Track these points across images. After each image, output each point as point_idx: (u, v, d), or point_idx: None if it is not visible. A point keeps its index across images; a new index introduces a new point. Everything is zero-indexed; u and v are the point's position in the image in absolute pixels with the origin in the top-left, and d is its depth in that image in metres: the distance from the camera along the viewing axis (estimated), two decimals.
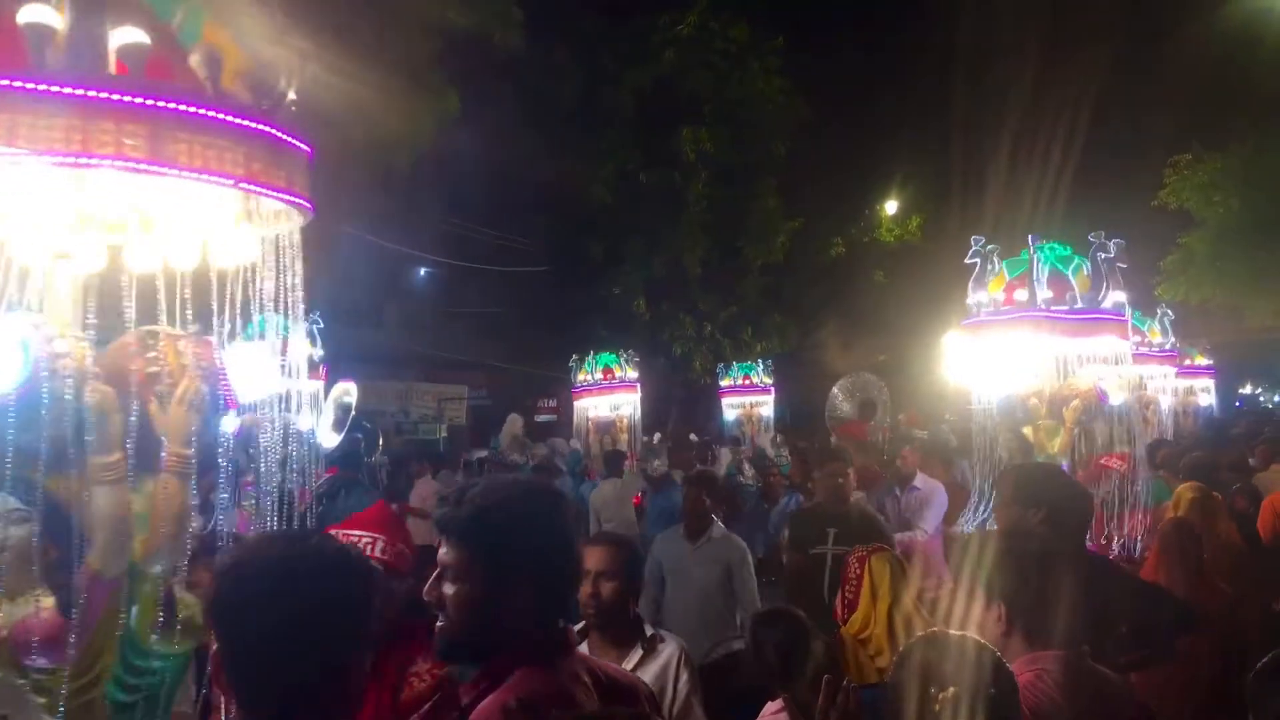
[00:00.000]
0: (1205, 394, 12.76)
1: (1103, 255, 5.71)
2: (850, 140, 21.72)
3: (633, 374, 12.44)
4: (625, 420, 12.35)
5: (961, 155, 15.30)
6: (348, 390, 7.56)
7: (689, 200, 20.28)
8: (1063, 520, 4.22)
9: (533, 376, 20.75)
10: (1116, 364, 5.89)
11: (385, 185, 17.00)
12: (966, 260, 5.83)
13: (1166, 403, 9.06)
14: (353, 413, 7.26)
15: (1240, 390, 30.31)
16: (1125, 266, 5.72)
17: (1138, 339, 8.23)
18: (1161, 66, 16.52)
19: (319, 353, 7.93)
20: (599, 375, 12.37)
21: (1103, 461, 5.98)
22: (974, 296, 5.81)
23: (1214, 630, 4.59)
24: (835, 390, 10.50)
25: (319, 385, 7.74)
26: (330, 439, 7.42)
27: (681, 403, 21.09)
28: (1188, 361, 11.80)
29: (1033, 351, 5.88)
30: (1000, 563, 2.85)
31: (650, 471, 9.80)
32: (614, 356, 12.60)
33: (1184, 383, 11.83)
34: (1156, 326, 8.76)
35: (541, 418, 21.69)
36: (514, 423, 7.94)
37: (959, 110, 15.88)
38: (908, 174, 24.20)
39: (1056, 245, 5.93)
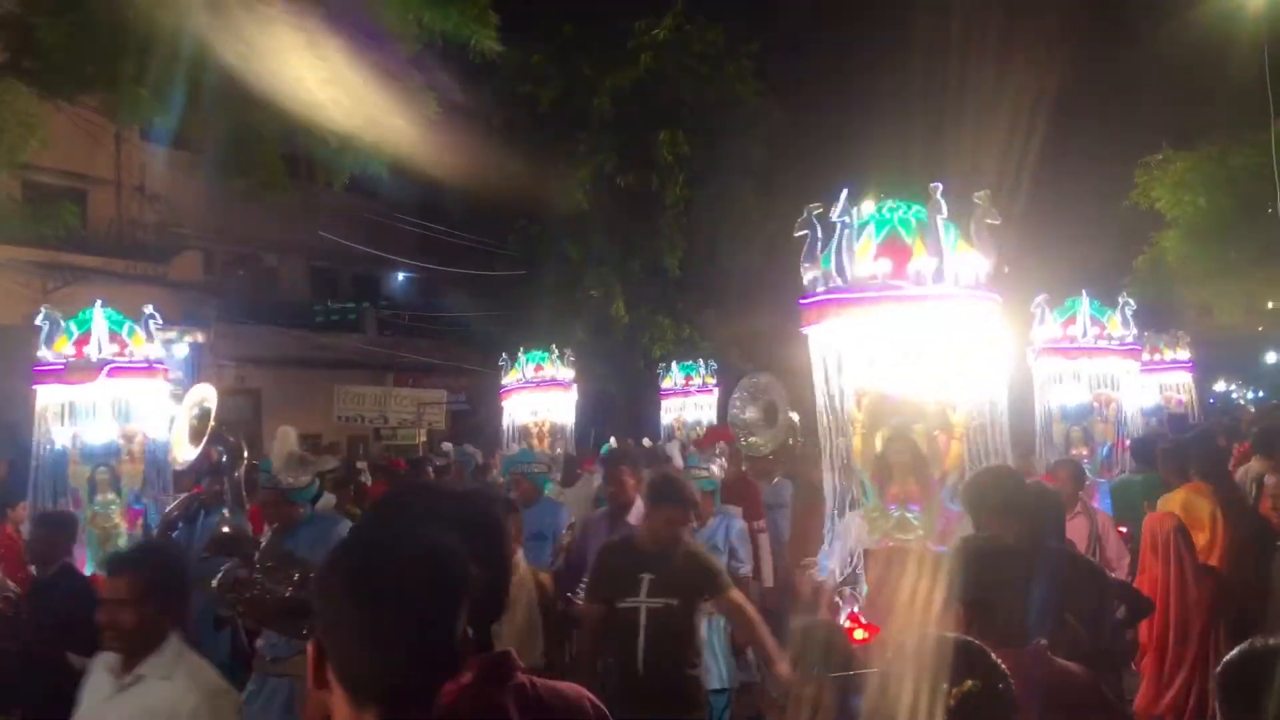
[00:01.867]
0: (1181, 390, 12.45)
1: (939, 215, 4.48)
2: (826, 141, 21.88)
3: (567, 373, 11.54)
4: (546, 424, 11.34)
5: (935, 156, 15.44)
6: (205, 396, 7.28)
7: (667, 203, 20.38)
8: (1043, 523, 4.37)
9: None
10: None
11: (363, 189, 17.02)
12: (796, 233, 4.81)
13: (1132, 401, 8.78)
14: (212, 421, 6.92)
15: (1214, 388, 30.57)
16: (997, 222, 4.56)
17: (1096, 331, 8.18)
18: (1134, 67, 16.76)
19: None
20: (531, 372, 11.44)
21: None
22: (809, 273, 4.78)
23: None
24: (736, 393, 9.53)
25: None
26: (186, 452, 7.00)
27: (617, 406, 20.27)
28: (1157, 356, 11.67)
29: (901, 337, 4.70)
30: (954, 565, 2.97)
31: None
32: (544, 353, 11.62)
33: (1155, 378, 11.80)
34: (1116, 317, 8.37)
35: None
36: (286, 437, 6.36)
37: (932, 111, 16.03)
38: (883, 174, 24.35)
39: (904, 203, 4.74)
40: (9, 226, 13.10)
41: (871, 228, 4.66)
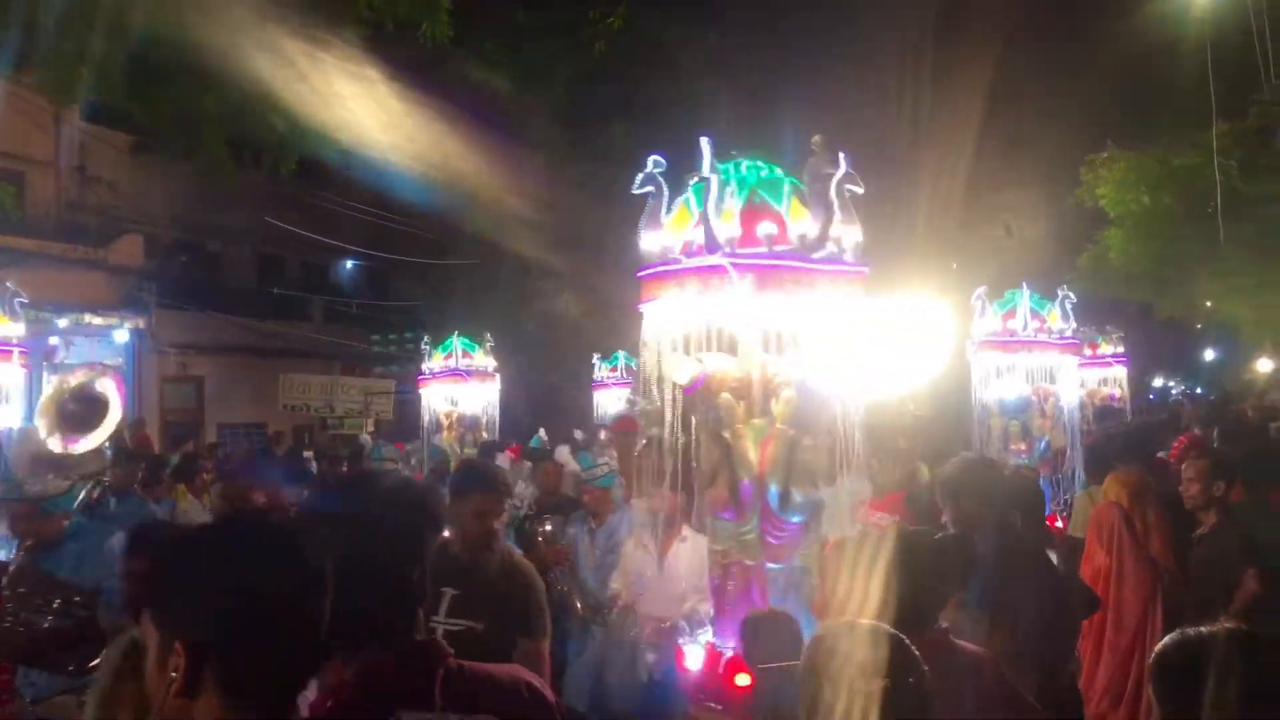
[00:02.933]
0: (1115, 385, 12.50)
1: (818, 170, 3.95)
2: (774, 134, 21.92)
3: (488, 362, 10.94)
4: (454, 416, 10.92)
5: (882, 154, 15.57)
6: (84, 383, 6.83)
7: (618, 194, 20.32)
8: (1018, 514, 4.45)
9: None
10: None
11: (314, 176, 16.81)
12: (635, 189, 4.16)
13: (1072, 396, 8.72)
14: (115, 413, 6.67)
15: (1152, 383, 31.20)
16: (860, 190, 4.02)
17: (1036, 324, 8.21)
18: (1081, 68, 16.98)
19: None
20: (457, 360, 10.87)
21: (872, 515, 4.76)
22: (649, 241, 4.11)
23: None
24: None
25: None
26: (55, 441, 6.44)
27: (564, 399, 19.84)
28: (1089, 350, 11.65)
29: (728, 318, 4.08)
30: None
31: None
32: (471, 341, 10.99)
33: (1093, 374, 11.94)
34: (1056, 311, 8.36)
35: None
36: (27, 437, 5.64)
37: (877, 109, 16.16)
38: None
39: (758, 164, 4.20)
40: None
41: (733, 188, 4.03)
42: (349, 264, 26.28)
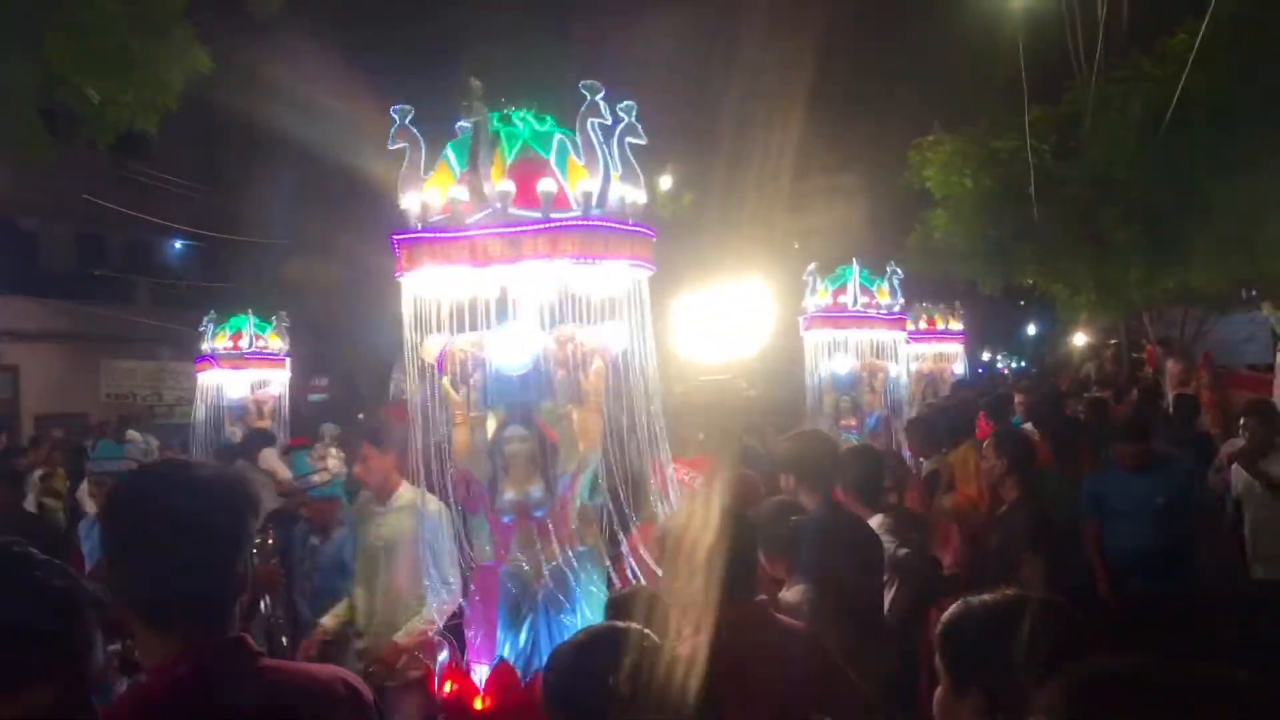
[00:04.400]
0: (957, 361, 12.83)
1: (595, 121, 3.54)
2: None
3: (278, 344, 10.04)
4: (268, 405, 10.00)
5: (722, 138, 15.80)
6: None
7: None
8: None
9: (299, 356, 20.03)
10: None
11: (134, 149, 15.97)
12: (390, 145, 3.70)
13: (898, 370, 8.88)
14: None
15: (981, 358, 32.73)
16: (641, 141, 3.66)
17: (865, 300, 8.40)
18: (908, 53, 17.62)
19: None
20: (244, 342, 9.89)
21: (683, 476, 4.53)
22: (407, 202, 3.68)
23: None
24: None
25: None
26: None
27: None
28: (926, 325, 11.92)
29: (503, 286, 3.74)
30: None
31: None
32: (262, 322, 10.00)
33: (925, 349, 12.35)
34: (885, 287, 8.48)
35: (314, 397, 21.00)
36: None
37: (718, 94, 16.38)
38: (681, 154, 24.81)
39: (528, 115, 3.78)
40: None
41: (503, 141, 3.63)
42: (178, 244, 25.11)
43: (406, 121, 3.67)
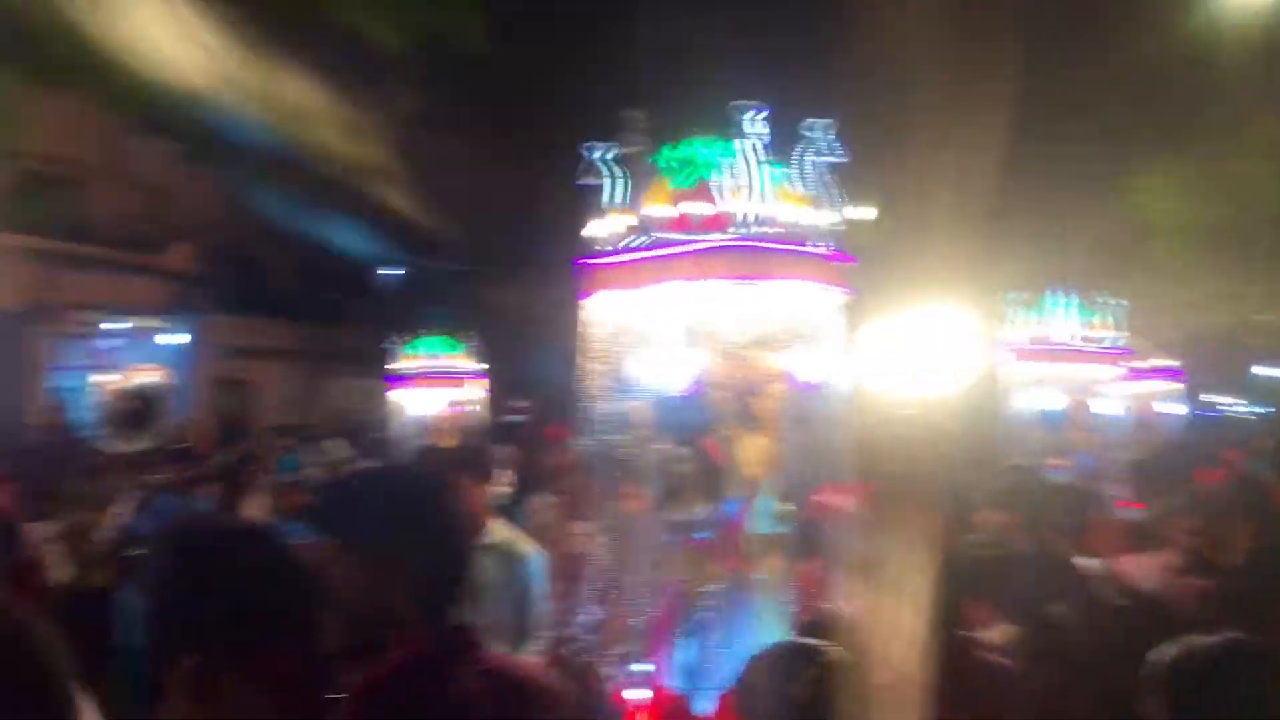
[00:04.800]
0: (1169, 399, 11.98)
1: (812, 154, 3.48)
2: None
3: (470, 364, 9.91)
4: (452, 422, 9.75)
5: (919, 161, 15.37)
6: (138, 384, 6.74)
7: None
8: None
9: (503, 378, 20.76)
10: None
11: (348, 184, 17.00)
12: (579, 181, 3.69)
13: (1111, 408, 8.31)
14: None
15: (1202, 398, 30.52)
16: (842, 160, 3.54)
17: (1078, 332, 7.82)
18: (1123, 62, 16.67)
19: None
20: (430, 361, 9.84)
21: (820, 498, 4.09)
22: (595, 228, 3.67)
23: None
24: None
25: None
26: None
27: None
28: (1141, 362, 10.96)
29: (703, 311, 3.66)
30: None
31: None
32: (451, 341, 9.95)
33: (1139, 386, 11.57)
34: (1101, 318, 7.94)
35: (512, 418, 21.75)
36: None
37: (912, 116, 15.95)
38: (879, 182, 24.41)
39: (717, 141, 3.68)
40: (6, 214, 13.16)
41: (694, 166, 3.61)
42: (380, 273, 26.57)
43: (594, 157, 3.65)
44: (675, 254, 3.51)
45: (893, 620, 2.89)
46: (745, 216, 3.48)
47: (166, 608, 1.63)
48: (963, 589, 3.28)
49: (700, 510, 3.72)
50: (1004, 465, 6.24)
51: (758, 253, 3.48)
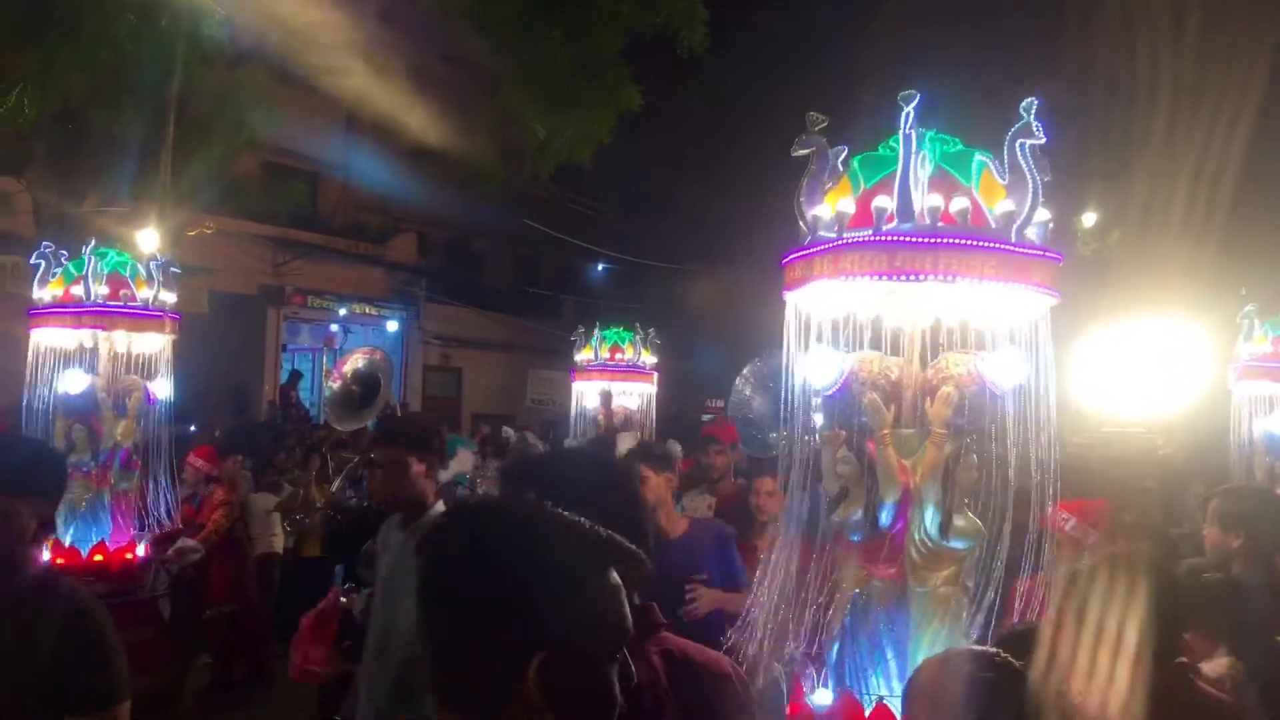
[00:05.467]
0: None
1: (1026, 143, 3.27)
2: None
3: (649, 358, 9.83)
4: (624, 413, 9.75)
5: (1149, 168, 14.37)
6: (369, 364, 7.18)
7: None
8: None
9: (699, 376, 20.97)
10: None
11: (569, 180, 17.55)
12: (795, 151, 3.46)
13: None
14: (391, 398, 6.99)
15: None
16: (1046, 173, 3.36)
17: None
18: None
19: None
20: (604, 354, 9.78)
21: (1058, 520, 3.92)
22: (808, 210, 3.47)
23: None
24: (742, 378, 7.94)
25: None
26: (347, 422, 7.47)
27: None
28: None
29: (891, 307, 3.56)
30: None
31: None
32: (626, 333, 9.89)
33: None
34: None
35: (706, 417, 21.91)
36: None
37: (1144, 120, 14.94)
38: (1104, 189, 23.12)
39: (942, 136, 3.49)
40: (247, 202, 14.22)
41: (924, 156, 3.37)
42: (599, 266, 27.18)
43: (817, 129, 3.43)
44: (861, 245, 3.32)
45: (1101, 649, 2.75)
46: (1008, 214, 3.31)
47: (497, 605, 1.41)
48: (1183, 616, 3.07)
49: (856, 513, 3.56)
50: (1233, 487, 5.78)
51: (940, 248, 3.25)
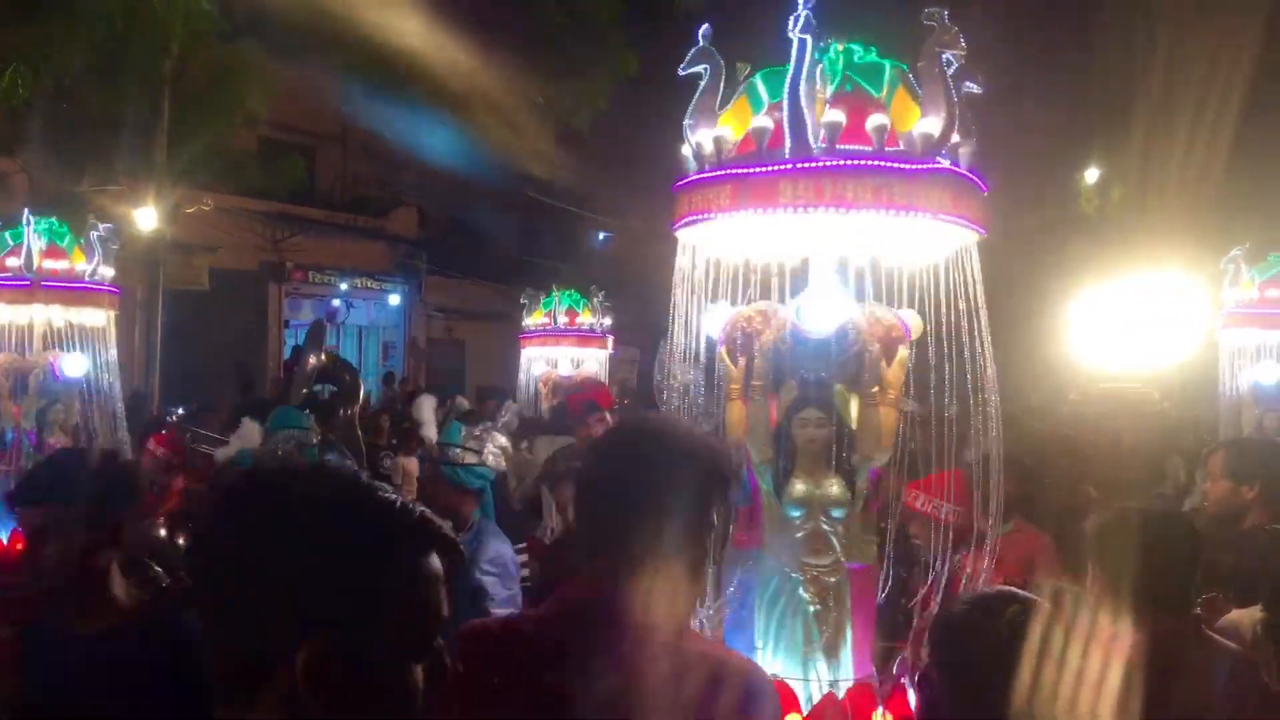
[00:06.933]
0: None
1: (944, 53, 2.80)
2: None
3: (605, 322, 9.68)
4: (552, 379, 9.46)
5: (1147, 121, 14.15)
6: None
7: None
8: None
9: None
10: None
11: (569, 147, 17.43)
12: (683, 69, 3.03)
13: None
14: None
15: None
16: (977, 89, 2.92)
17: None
18: None
19: None
20: (562, 319, 9.58)
21: (911, 499, 3.74)
22: (692, 136, 3.04)
23: None
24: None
25: None
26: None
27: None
28: None
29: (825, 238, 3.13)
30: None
31: None
32: (580, 296, 9.65)
33: None
34: None
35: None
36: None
37: (1143, 72, 14.67)
38: (1103, 146, 22.83)
39: (854, 45, 3.02)
40: (246, 178, 14.20)
41: (823, 70, 2.93)
42: (600, 237, 27.02)
43: (708, 43, 3.03)
44: (746, 176, 2.91)
45: (1116, 590, 2.74)
46: (924, 135, 2.85)
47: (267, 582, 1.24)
48: (1195, 569, 3.05)
49: (834, 484, 3.14)
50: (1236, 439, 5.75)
51: (840, 172, 2.83)
